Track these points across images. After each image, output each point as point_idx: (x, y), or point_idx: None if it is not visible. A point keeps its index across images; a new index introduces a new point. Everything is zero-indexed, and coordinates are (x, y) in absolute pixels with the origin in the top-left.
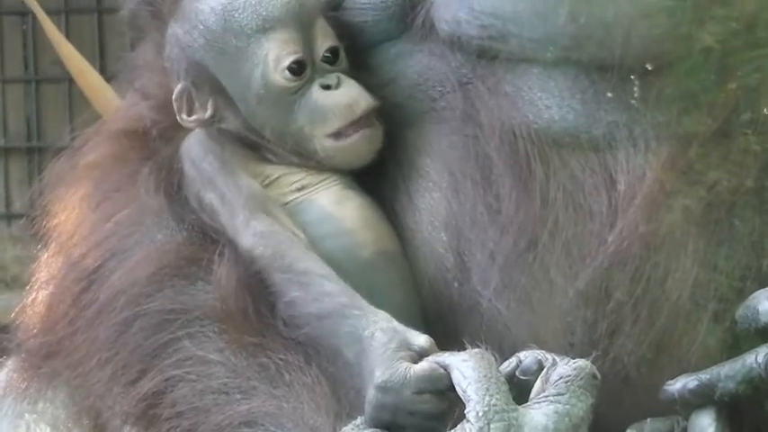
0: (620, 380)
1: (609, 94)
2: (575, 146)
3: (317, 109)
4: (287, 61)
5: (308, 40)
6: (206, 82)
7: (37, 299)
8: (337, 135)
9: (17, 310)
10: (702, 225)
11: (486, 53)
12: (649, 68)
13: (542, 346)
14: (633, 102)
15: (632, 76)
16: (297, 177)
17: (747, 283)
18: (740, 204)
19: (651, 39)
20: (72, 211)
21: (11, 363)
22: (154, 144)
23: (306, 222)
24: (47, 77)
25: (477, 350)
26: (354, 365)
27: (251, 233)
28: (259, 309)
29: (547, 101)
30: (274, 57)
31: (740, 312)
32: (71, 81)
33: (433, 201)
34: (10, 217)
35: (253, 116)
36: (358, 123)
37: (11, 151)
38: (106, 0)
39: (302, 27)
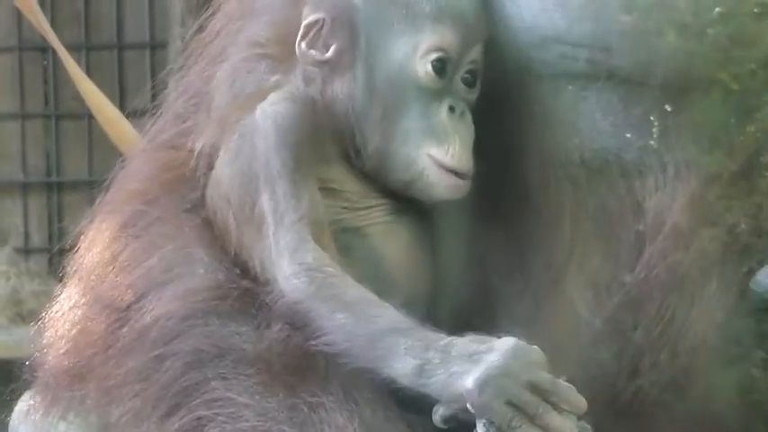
0: (643, 414)
1: (627, 136)
2: (603, 170)
3: (438, 126)
4: (435, 56)
5: (462, 51)
6: (345, 28)
7: (65, 322)
8: (439, 163)
9: (37, 339)
10: (722, 264)
11: (520, 62)
12: (668, 110)
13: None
14: (653, 143)
15: (652, 117)
16: (354, 189)
17: None
18: (759, 245)
19: (670, 79)
20: (109, 237)
21: (29, 393)
22: (202, 173)
23: (347, 248)
24: (67, 113)
25: None
26: (420, 382)
27: (297, 261)
28: (299, 345)
29: (578, 123)
30: (426, 47)
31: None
32: (91, 117)
33: (458, 227)
34: (28, 251)
35: (364, 92)
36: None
37: (30, 186)
38: (127, 36)
39: (467, 36)
